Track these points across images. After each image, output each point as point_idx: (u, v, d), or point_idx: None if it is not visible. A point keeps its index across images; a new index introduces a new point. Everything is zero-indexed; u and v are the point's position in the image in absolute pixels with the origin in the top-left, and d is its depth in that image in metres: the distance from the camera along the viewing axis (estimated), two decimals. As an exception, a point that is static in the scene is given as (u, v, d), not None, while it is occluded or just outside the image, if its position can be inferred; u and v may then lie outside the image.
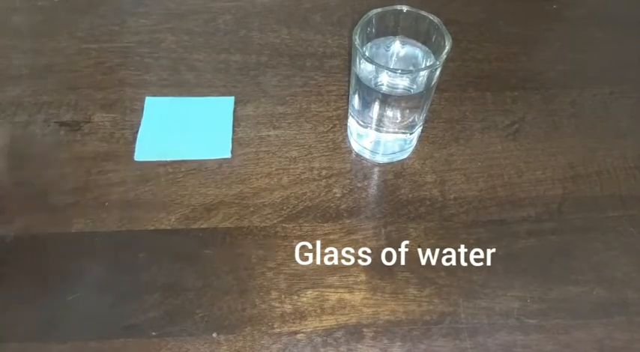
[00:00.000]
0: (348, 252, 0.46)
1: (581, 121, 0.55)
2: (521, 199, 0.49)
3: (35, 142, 0.48)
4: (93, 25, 0.60)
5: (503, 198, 0.49)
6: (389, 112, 0.46)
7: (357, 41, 0.43)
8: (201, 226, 0.47)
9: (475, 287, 0.44)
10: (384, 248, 0.46)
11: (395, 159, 0.51)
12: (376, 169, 0.51)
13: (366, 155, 0.51)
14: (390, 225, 0.47)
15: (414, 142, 0.51)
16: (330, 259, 0.45)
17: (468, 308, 0.43)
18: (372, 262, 0.45)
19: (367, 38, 0.47)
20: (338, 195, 0.49)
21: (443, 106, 0.55)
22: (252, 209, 0.48)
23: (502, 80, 0.57)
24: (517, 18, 0.64)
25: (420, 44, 0.47)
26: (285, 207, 0.48)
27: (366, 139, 0.50)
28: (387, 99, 0.45)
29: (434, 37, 0.45)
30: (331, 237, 0.47)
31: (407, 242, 0.46)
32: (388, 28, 0.47)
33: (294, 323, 0.42)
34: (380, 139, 0.49)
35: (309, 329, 0.42)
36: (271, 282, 0.44)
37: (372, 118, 0.47)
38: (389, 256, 0.46)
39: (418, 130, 0.50)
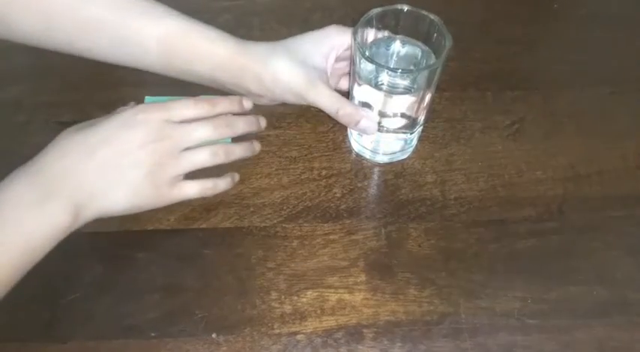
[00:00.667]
0: (348, 252, 0.46)
1: (581, 121, 0.54)
2: (522, 199, 0.49)
3: (35, 142, 0.47)
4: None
5: (503, 198, 0.49)
6: (389, 112, 0.46)
7: (357, 41, 0.43)
8: (201, 226, 0.47)
9: (475, 287, 0.44)
10: (384, 248, 0.46)
11: (395, 159, 0.51)
12: (376, 169, 0.51)
13: (367, 155, 0.51)
14: (391, 225, 0.47)
15: (415, 142, 0.51)
16: (330, 259, 0.45)
17: (469, 308, 0.43)
18: (372, 262, 0.45)
19: (367, 38, 0.47)
20: (338, 195, 0.49)
21: (443, 106, 0.55)
22: (252, 209, 0.48)
23: (502, 80, 0.57)
24: (517, 18, 0.64)
25: (420, 44, 0.47)
26: (285, 207, 0.48)
27: (366, 139, 0.50)
28: (388, 99, 0.45)
29: (434, 36, 0.45)
30: (331, 237, 0.47)
31: (407, 242, 0.46)
32: (389, 28, 0.47)
33: (293, 323, 0.42)
34: (380, 139, 0.49)
35: (309, 330, 0.42)
36: (271, 283, 0.44)
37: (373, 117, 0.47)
38: (389, 256, 0.46)
39: (418, 130, 0.50)
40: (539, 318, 0.43)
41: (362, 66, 0.44)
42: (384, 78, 0.45)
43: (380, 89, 0.45)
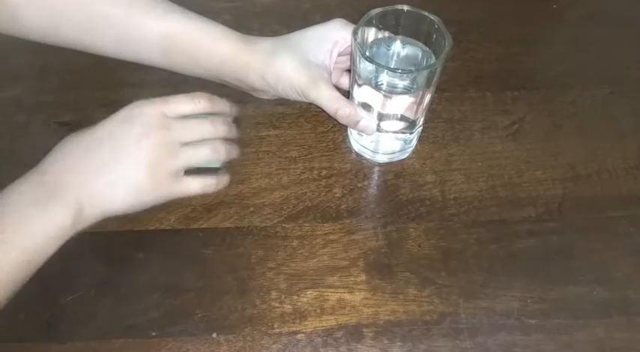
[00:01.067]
0: (348, 252, 0.46)
1: (581, 121, 0.54)
2: (522, 199, 0.49)
3: (35, 142, 0.48)
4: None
5: (503, 198, 0.49)
6: (389, 112, 0.46)
7: (357, 41, 0.43)
8: (201, 226, 0.47)
9: (475, 287, 0.44)
10: (384, 248, 0.46)
11: (395, 159, 0.51)
12: (376, 169, 0.51)
13: (367, 155, 0.51)
14: (390, 225, 0.47)
15: (414, 142, 0.51)
16: (330, 259, 0.45)
17: (468, 308, 0.43)
18: (372, 262, 0.45)
19: (368, 38, 0.47)
20: (338, 195, 0.49)
21: (443, 106, 0.55)
22: (252, 209, 0.48)
23: (502, 80, 0.57)
24: (517, 18, 0.64)
25: (420, 44, 0.47)
26: (285, 207, 0.48)
27: (366, 139, 0.50)
28: (387, 99, 0.45)
29: (434, 36, 0.45)
30: (331, 237, 0.47)
31: (407, 242, 0.46)
32: (389, 28, 0.47)
33: (294, 323, 0.42)
34: (380, 139, 0.49)
35: (309, 330, 0.42)
36: (271, 282, 0.44)
37: (372, 118, 0.47)
38: (389, 256, 0.46)
39: (418, 130, 0.50)
40: (538, 318, 0.43)
41: (362, 66, 0.44)
42: (384, 78, 0.45)
43: (380, 89, 0.45)
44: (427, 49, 0.46)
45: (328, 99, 0.47)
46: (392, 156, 0.51)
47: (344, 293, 0.44)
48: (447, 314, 0.43)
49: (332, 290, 0.44)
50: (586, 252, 0.46)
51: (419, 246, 0.46)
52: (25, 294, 0.42)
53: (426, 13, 0.45)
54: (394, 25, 0.46)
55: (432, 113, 0.54)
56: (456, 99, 0.56)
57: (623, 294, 0.44)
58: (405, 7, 0.45)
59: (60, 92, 0.56)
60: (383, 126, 0.48)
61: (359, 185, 0.50)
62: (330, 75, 0.49)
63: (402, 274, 0.45)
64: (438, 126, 0.54)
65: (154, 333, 0.42)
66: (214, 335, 0.42)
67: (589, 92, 0.57)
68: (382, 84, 0.45)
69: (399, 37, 0.47)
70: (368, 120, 0.47)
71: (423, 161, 0.51)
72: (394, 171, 0.51)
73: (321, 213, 0.48)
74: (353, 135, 0.51)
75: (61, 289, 0.44)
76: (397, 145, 0.50)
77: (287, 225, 0.47)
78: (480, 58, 0.59)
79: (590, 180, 0.50)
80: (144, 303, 0.43)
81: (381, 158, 0.51)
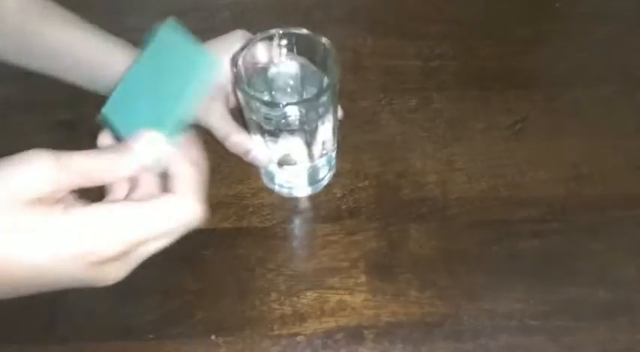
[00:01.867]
0: (348, 253, 0.45)
1: (584, 120, 0.54)
2: (524, 199, 0.49)
3: (31, 142, 0.47)
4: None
5: (505, 198, 0.49)
6: (294, 143, 0.43)
7: (240, 69, 0.40)
8: (200, 227, 0.47)
9: (477, 288, 0.44)
10: (384, 249, 0.46)
11: (318, 189, 0.48)
12: (376, 169, 0.51)
13: (285, 190, 0.48)
14: (391, 225, 0.47)
15: (328, 172, 0.49)
16: (331, 260, 0.45)
17: (470, 309, 0.43)
18: (372, 263, 0.45)
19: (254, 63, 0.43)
20: (338, 195, 0.49)
21: (445, 106, 0.55)
22: (251, 209, 0.48)
23: (504, 79, 0.57)
24: (520, 17, 0.63)
25: (314, 68, 0.43)
26: (284, 208, 0.48)
27: (282, 173, 0.47)
28: (284, 132, 0.42)
29: (326, 61, 0.42)
30: (331, 237, 0.46)
31: (408, 243, 0.46)
32: (284, 51, 0.43)
33: (293, 325, 0.42)
34: (285, 172, 0.46)
35: (308, 332, 0.42)
36: (271, 284, 0.44)
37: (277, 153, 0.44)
38: (390, 257, 0.45)
39: (331, 156, 0.48)
40: (541, 320, 0.42)
41: (249, 102, 0.41)
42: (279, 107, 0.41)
43: (270, 122, 0.41)
44: (320, 72, 0.43)
45: (219, 123, 0.43)
46: (315, 186, 0.48)
47: (344, 294, 0.43)
48: (449, 316, 0.42)
49: (332, 291, 0.44)
50: (589, 253, 0.46)
51: (420, 247, 0.46)
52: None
53: (320, 36, 0.42)
54: (289, 48, 0.43)
55: (433, 112, 0.54)
56: (457, 98, 0.55)
57: (627, 296, 0.44)
58: (301, 30, 0.42)
59: (57, 91, 0.55)
60: (283, 159, 0.45)
61: (359, 185, 0.49)
62: (229, 95, 0.45)
63: (402, 275, 0.44)
64: (440, 126, 0.53)
65: (151, 335, 0.41)
66: (213, 337, 0.41)
67: (592, 91, 0.56)
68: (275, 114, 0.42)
69: (294, 59, 0.44)
70: (259, 151, 0.43)
71: (424, 161, 0.51)
72: (395, 171, 0.50)
73: (322, 214, 0.48)
74: (265, 171, 0.48)
75: (60, 290, 0.43)
76: (304, 179, 0.47)
77: (287, 226, 0.47)
78: (482, 56, 0.59)
79: (594, 179, 0.50)
80: (143, 305, 0.43)
81: (299, 191, 0.48)
